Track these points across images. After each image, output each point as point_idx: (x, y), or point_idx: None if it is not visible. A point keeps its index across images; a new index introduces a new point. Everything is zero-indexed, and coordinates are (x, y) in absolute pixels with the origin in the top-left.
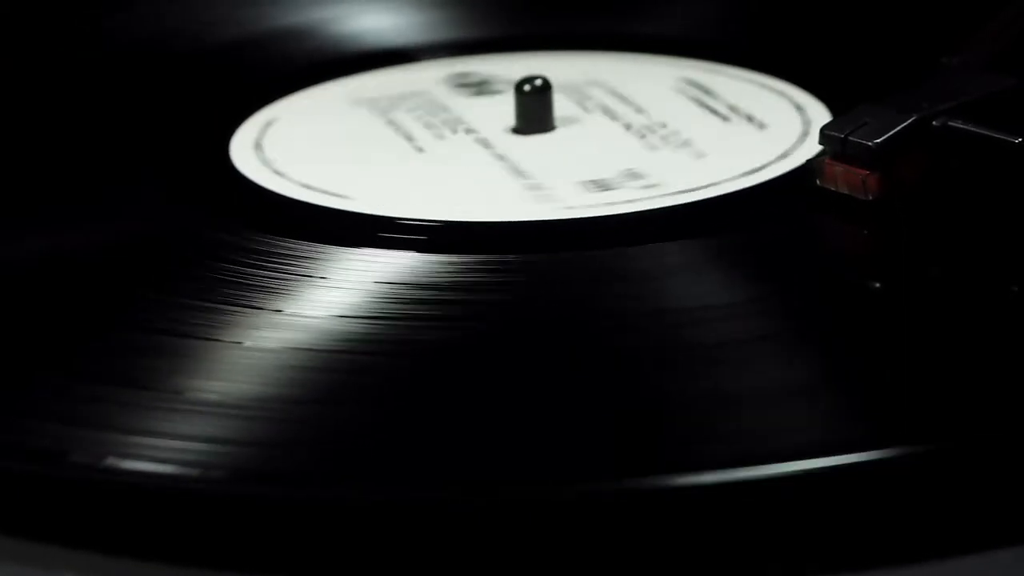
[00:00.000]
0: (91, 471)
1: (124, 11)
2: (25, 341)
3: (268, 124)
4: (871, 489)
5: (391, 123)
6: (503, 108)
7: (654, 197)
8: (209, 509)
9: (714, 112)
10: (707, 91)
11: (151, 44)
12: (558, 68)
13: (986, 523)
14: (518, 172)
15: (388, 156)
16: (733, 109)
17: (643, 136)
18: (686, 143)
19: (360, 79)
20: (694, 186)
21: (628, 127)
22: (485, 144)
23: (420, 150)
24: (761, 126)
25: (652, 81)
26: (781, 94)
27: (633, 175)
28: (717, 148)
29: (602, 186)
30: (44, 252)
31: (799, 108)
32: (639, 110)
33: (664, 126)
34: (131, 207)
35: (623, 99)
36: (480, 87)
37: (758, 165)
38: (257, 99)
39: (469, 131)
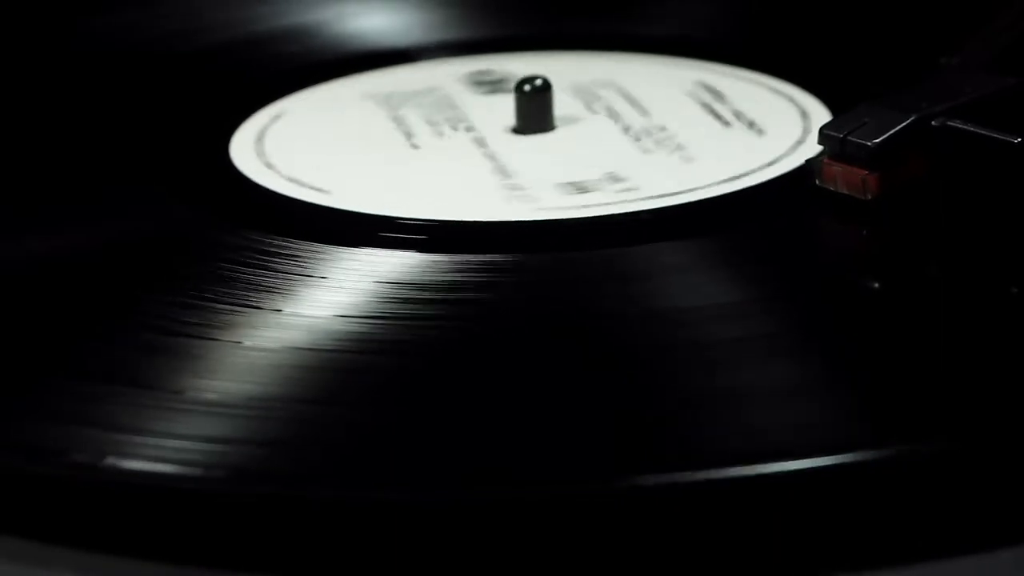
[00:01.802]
0: (91, 470)
1: (126, 11)
2: (25, 340)
3: (271, 122)
4: (871, 489)
5: (395, 119)
6: (512, 107)
7: (628, 201)
8: (209, 508)
9: (717, 116)
10: (717, 95)
11: (153, 44)
12: (576, 68)
13: (986, 523)
14: (503, 172)
15: (382, 154)
16: (737, 114)
17: (638, 139)
18: (679, 147)
19: (378, 75)
20: (673, 191)
21: (627, 129)
22: (480, 143)
23: (415, 147)
24: (760, 132)
25: (665, 84)
26: (790, 99)
27: (614, 178)
28: (708, 153)
29: (580, 188)
30: (44, 251)
31: (804, 115)
32: (644, 112)
33: (663, 129)
34: (131, 206)
35: (631, 101)
36: (496, 85)
37: (742, 171)
38: (260, 97)
39: (469, 129)
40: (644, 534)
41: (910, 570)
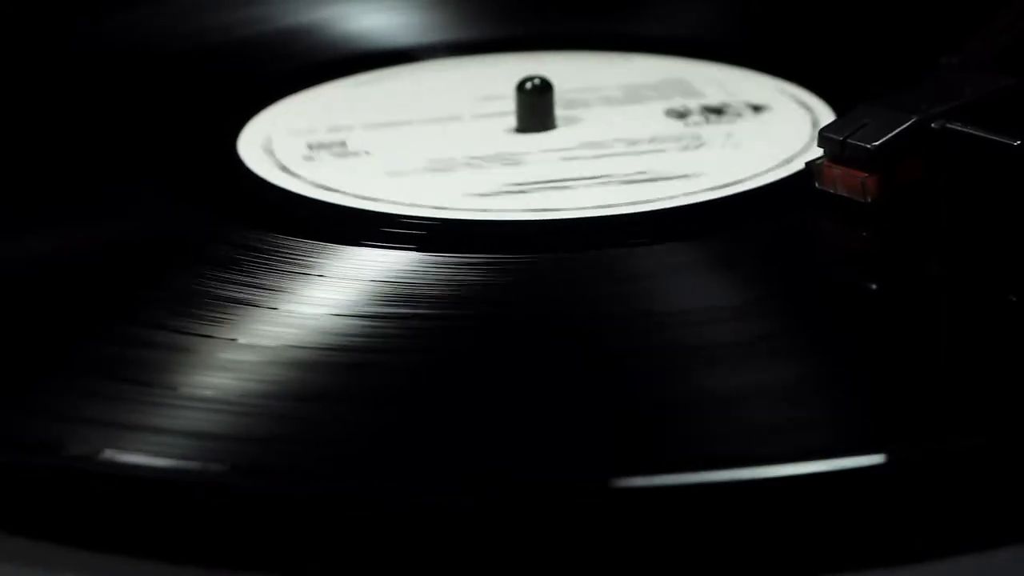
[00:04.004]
0: (89, 464)
1: (127, 11)
2: (24, 337)
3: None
4: (870, 489)
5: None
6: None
7: (632, 203)
8: (205, 504)
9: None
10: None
11: (155, 44)
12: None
13: (985, 523)
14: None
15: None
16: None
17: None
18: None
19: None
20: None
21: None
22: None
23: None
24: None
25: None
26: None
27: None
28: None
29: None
30: (45, 250)
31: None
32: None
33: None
34: (132, 205)
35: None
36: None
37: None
38: (260, 97)
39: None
40: (643, 534)
41: (910, 570)
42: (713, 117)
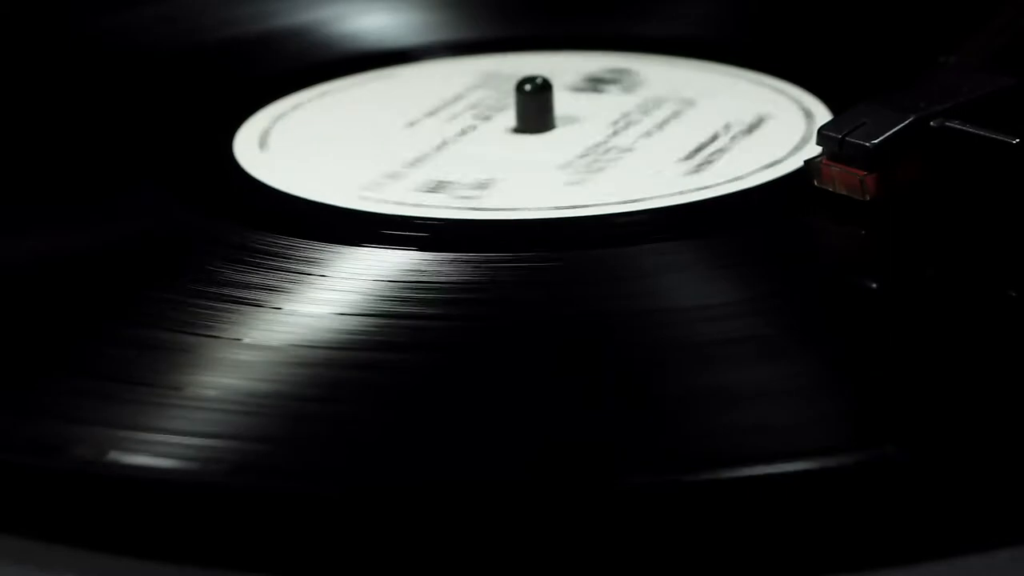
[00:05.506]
0: (92, 465)
1: (126, 11)
2: (27, 338)
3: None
4: (869, 489)
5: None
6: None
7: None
8: (206, 504)
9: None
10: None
11: (155, 44)
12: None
13: (985, 523)
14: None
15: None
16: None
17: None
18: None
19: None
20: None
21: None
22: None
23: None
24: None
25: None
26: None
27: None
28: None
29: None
30: (44, 250)
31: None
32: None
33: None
34: (132, 205)
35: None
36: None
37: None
38: (260, 98)
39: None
40: (642, 534)
41: (910, 570)
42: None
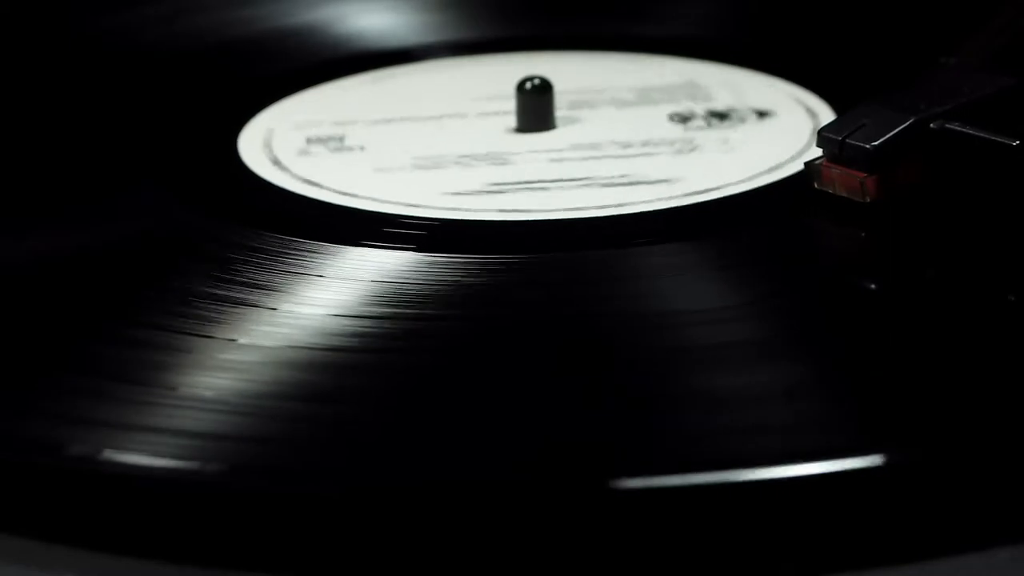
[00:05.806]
0: (89, 463)
1: (126, 11)
2: (24, 337)
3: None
4: (869, 489)
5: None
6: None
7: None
8: (204, 504)
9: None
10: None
11: (155, 44)
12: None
13: (985, 523)
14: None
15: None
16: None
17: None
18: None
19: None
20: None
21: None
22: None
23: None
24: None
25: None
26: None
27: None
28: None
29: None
30: (45, 250)
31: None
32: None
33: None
34: (132, 205)
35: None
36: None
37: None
38: (261, 97)
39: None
40: (641, 535)
41: (910, 570)
42: (716, 121)
